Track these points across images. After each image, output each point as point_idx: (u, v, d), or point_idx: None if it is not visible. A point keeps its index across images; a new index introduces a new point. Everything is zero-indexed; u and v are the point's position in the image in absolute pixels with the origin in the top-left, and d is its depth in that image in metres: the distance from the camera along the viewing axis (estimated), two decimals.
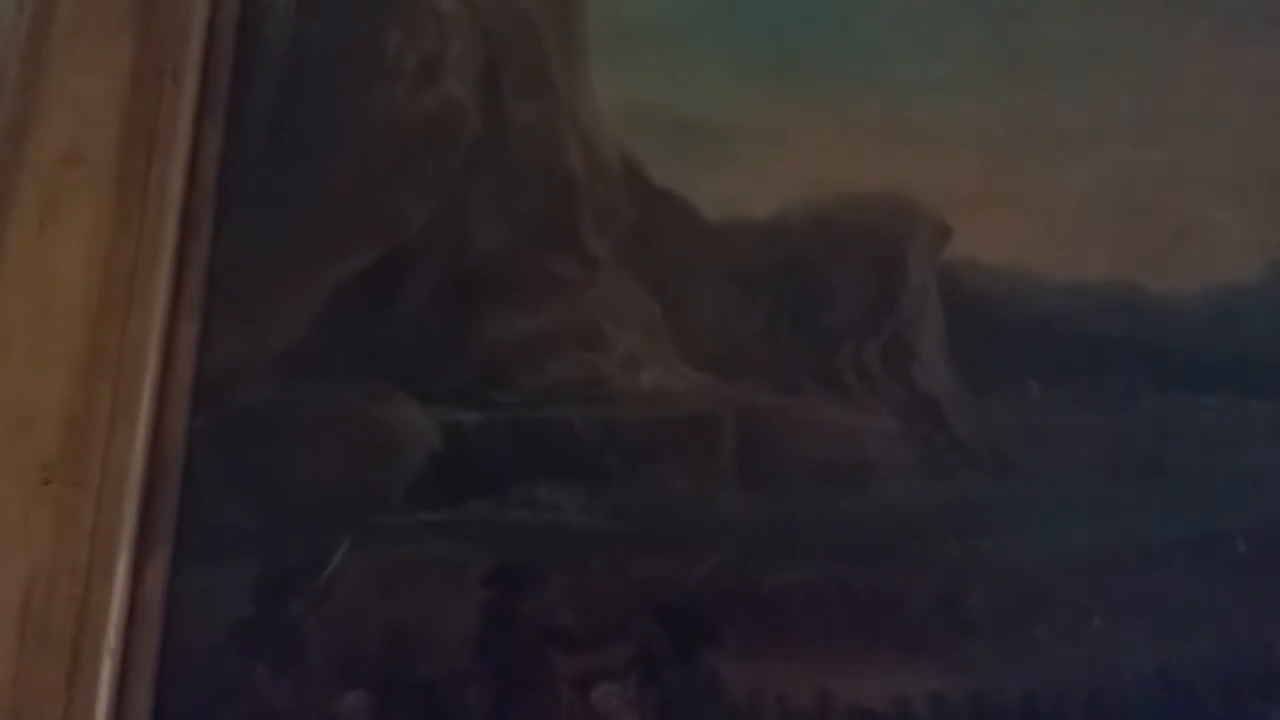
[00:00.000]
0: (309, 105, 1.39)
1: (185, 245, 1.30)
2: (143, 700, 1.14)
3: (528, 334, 1.31)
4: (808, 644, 1.19)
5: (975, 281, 1.40)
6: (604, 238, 1.37)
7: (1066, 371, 1.36)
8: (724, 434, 1.28)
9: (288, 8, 1.45)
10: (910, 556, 1.26)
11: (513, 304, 1.33)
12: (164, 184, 1.31)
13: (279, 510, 1.21)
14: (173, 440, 1.24)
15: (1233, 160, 1.51)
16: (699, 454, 1.28)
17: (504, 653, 1.18)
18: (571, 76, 1.46)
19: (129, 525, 1.19)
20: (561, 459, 1.26)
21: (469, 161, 1.39)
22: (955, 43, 1.54)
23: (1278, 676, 1.22)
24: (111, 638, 1.14)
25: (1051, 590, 1.25)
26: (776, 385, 1.32)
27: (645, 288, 1.36)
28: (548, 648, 1.18)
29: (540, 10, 1.49)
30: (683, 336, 1.33)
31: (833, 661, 1.18)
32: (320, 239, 1.33)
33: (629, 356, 1.31)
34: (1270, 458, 1.34)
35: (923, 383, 1.34)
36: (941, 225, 1.41)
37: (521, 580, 1.20)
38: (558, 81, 1.45)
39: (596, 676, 1.16)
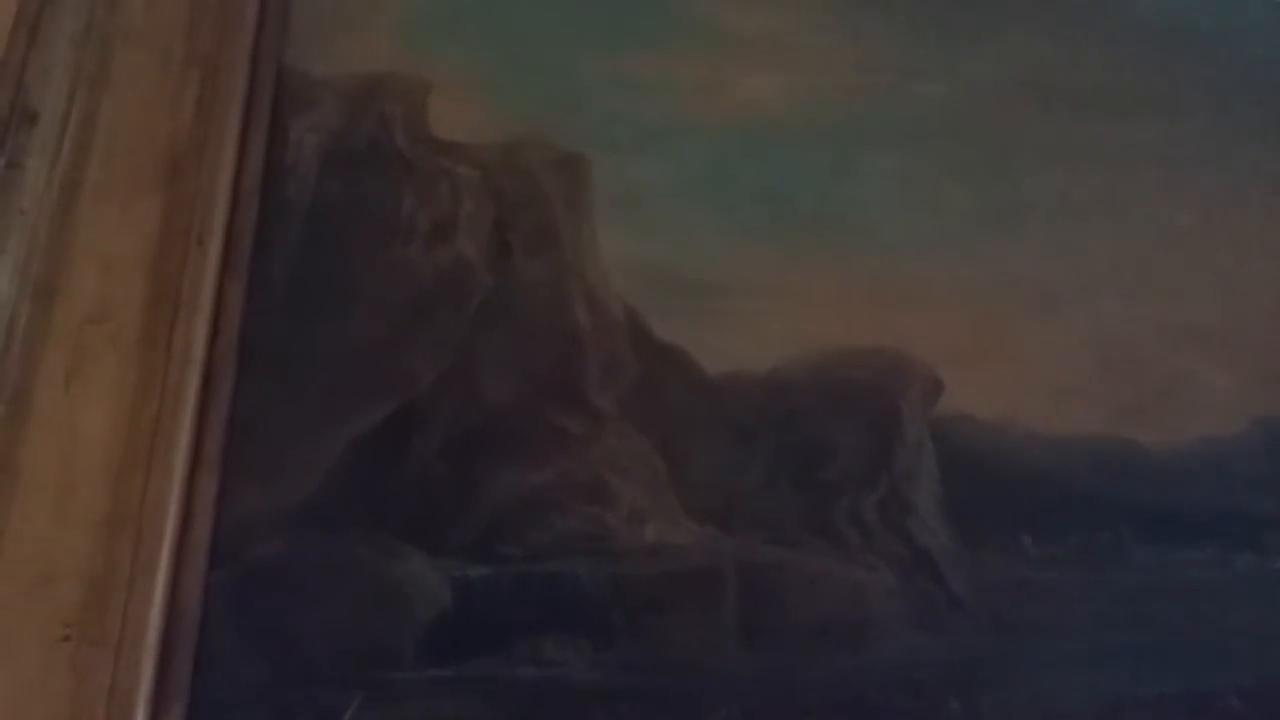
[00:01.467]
0: (327, 263, 1.44)
1: (206, 402, 1.34)
2: None
3: (534, 488, 1.34)
4: None
5: (968, 436, 1.43)
6: (609, 392, 1.41)
7: (1058, 526, 1.39)
8: (726, 589, 1.31)
9: (309, 170, 1.50)
10: (911, 713, 1.27)
11: (520, 458, 1.36)
12: (187, 343, 1.35)
13: (292, 666, 1.23)
14: (190, 596, 1.26)
15: (1218, 314, 1.55)
16: (702, 609, 1.30)
17: None
18: (577, 235, 1.51)
19: (146, 682, 1.21)
20: (568, 614, 1.28)
21: (479, 318, 1.44)
22: (946, 202, 1.60)
23: None
24: None
25: None
26: (776, 539, 1.35)
27: (649, 441, 1.39)
28: None
29: (548, 172, 1.54)
30: (685, 489, 1.36)
31: None
32: (335, 394, 1.36)
33: (633, 510, 1.34)
34: (1259, 613, 1.36)
35: (919, 537, 1.37)
36: (934, 380, 1.45)
37: None
38: (564, 240, 1.50)
39: None
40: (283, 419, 1.37)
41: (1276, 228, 1.61)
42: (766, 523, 1.37)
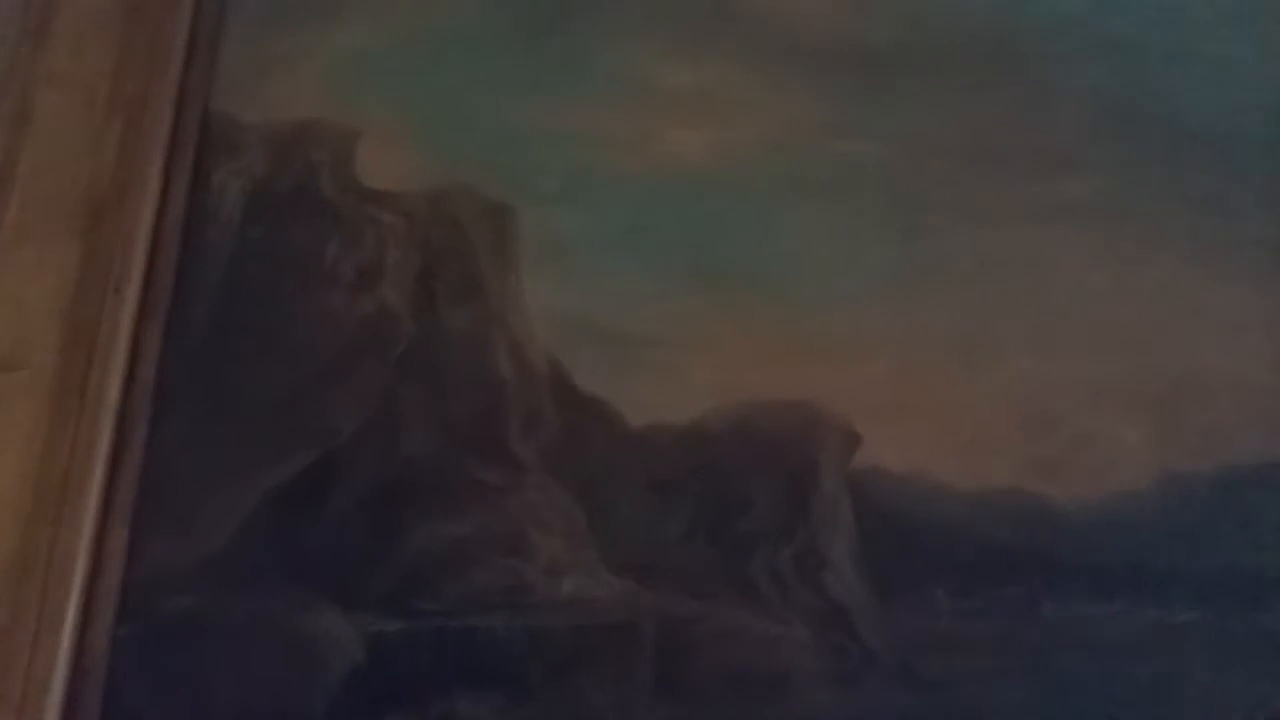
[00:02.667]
0: (248, 311, 1.42)
1: (119, 452, 1.31)
2: None
3: (452, 541, 1.32)
4: None
5: (883, 489, 1.43)
6: (530, 443, 1.39)
7: (970, 580, 1.39)
8: (643, 643, 1.29)
9: (233, 216, 1.48)
10: None
11: (439, 511, 1.34)
12: (101, 391, 1.32)
13: None
14: (96, 650, 1.23)
15: (1128, 371, 1.57)
16: (618, 663, 1.28)
17: None
18: (503, 284, 1.50)
19: None
20: (483, 669, 1.26)
21: (401, 368, 1.42)
22: (867, 257, 1.60)
23: None
24: None
25: None
26: (694, 592, 1.34)
27: (569, 493, 1.38)
28: None
29: (475, 221, 1.53)
30: (604, 542, 1.35)
31: None
32: (252, 444, 1.34)
33: (552, 563, 1.32)
34: (1163, 666, 1.37)
35: (834, 590, 1.36)
36: (851, 433, 1.45)
37: None
38: (489, 289, 1.49)
39: None
40: (198, 469, 1.34)
41: (1184, 286, 1.63)
42: (684, 576, 1.35)
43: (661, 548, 1.37)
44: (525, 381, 1.44)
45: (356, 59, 1.65)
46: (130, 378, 1.37)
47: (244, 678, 1.23)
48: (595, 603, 1.32)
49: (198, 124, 1.55)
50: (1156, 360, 1.59)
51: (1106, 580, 1.43)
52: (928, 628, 1.37)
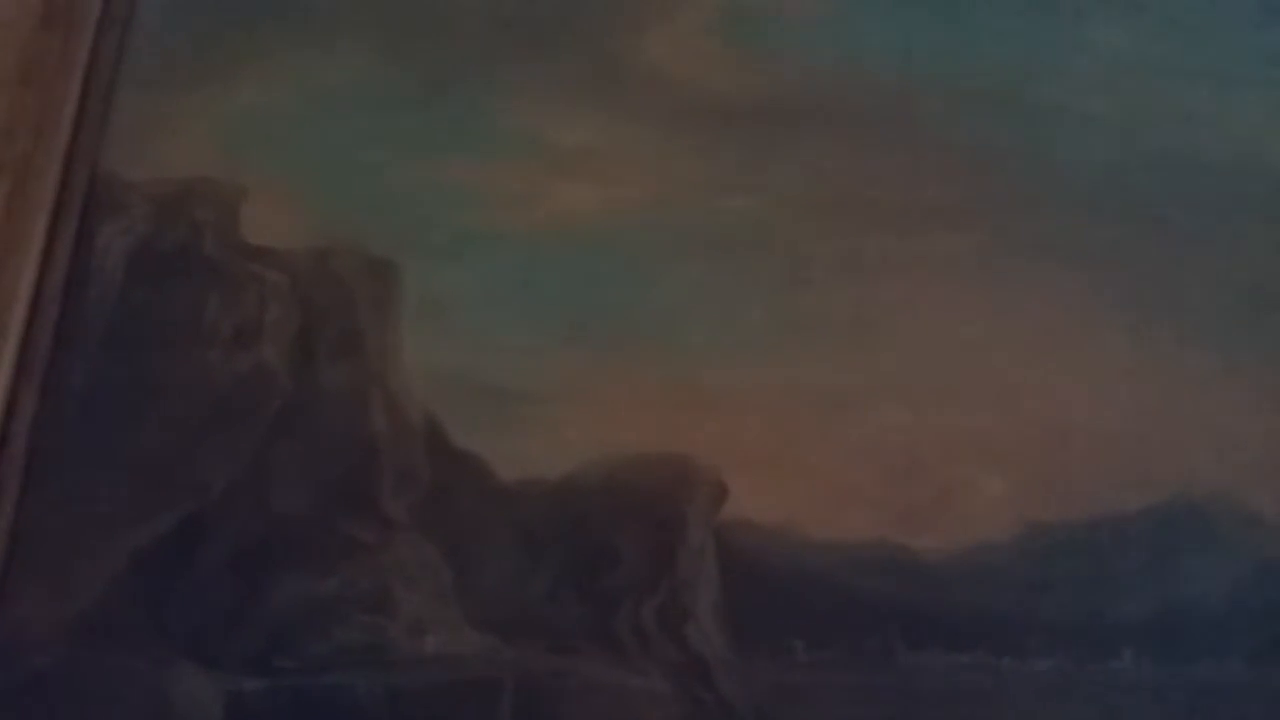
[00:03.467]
0: (126, 370, 1.42)
1: None
2: None
3: (318, 599, 1.32)
4: None
5: (749, 541, 1.44)
6: (402, 500, 1.40)
7: (829, 631, 1.41)
8: (502, 699, 1.30)
9: (115, 274, 1.48)
10: None
11: (306, 568, 1.34)
12: None
13: None
14: None
15: (995, 422, 1.59)
16: (477, 717, 1.28)
17: None
18: (383, 341, 1.50)
19: None
20: None
21: (276, 425, 1.42)
22: (743, 312, 1.62)
23: None
24: None
25: None
26: (557, 647, 1.34)
27: (438, 550, 1.38)
28: None
29: (358, 277, 1.54)
30: (470, 599, 1.36)
31: None
32: (123, 505, 1.34)
33: (415, 620, 1.33)
34: (1019, 715, 1.38)
35: (695, 643, 1.37)
36: (720, 486, 1.46)
37: None
38: (369, 346, 1.50)
39: None
40: (68, 528, 1.34)
41: (1053, 338, 1.66)
42: (548, 631, 1.36)
43: (526, 604, 1.38)
44: (400, 438, 1.45)
45: (246, 118, 1.65)
46: (3, 438, 1.37)
47: None
48: (456, 659, 1.33)
49: (85, 184, 1.55)
50: (1023, 412, 1.61)
51: (963, 629, 1.44)
52: (784, 679, 1.38)
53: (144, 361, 1.43)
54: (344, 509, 1.39)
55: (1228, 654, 1.48)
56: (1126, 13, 1.97)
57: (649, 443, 1.51)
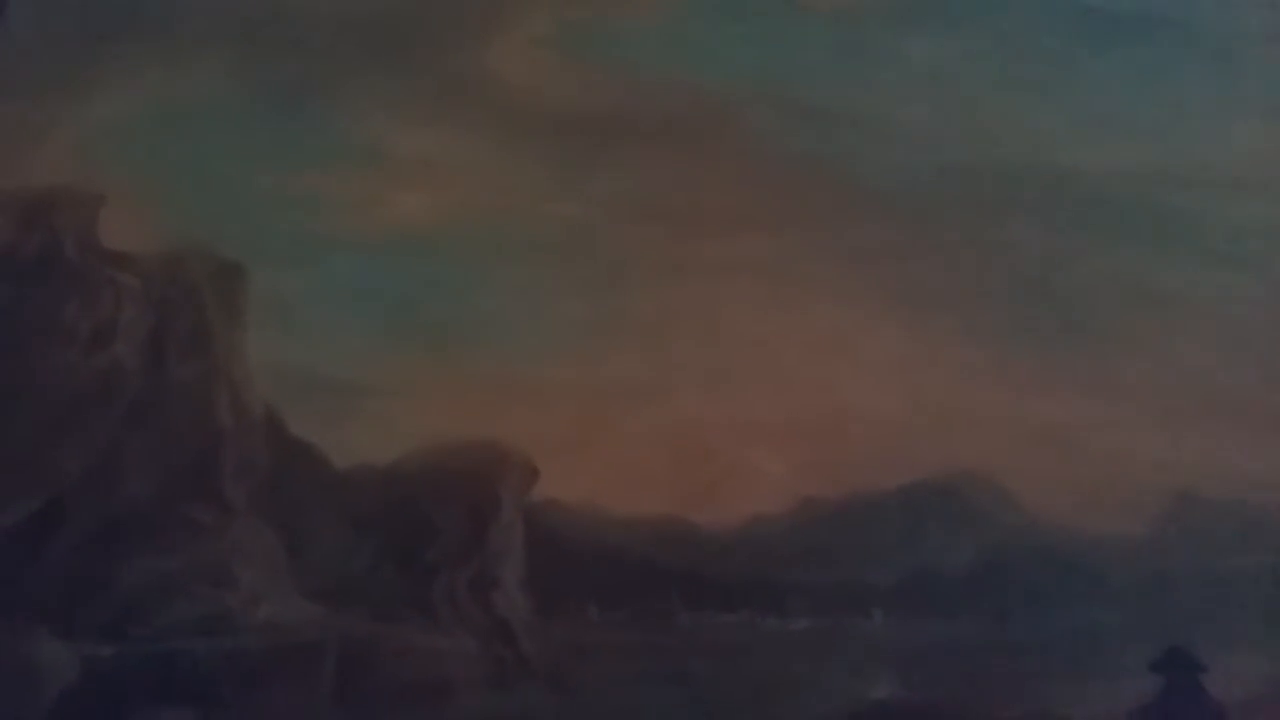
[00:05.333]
0: None
1: None
2: None
3: (164, 574, 1.48)
4: None
5: (555, 518, 1.62)
6: (242, 486, 1.55)
7: (619, 595, 1.60)
8: (326, 660, 1.47)
9: None
10: None
11: (154, 547, 1.49)
12: None
13: None
14: None
15: (783, 409, 1.78)
16: (303, 678, 1.46)
17: None
18: (229, 340, 1.64)
19: None
20: (183, 687, 1.43)
21: (129, 417, 1.56)
22: (561, 311, 1.78)
23: None
24: None
25: None
26: (377, 615, 1.52)
27: (273, 530, 1.54)
28: None
29: (207, 280, 1.67)
30: (302, 573, 1.52)
31: None
32: None
33: (252, 592, 1.49)
34: (778, 666, 1.59)
35: (501, 608, 1.56)
36: (531, 469, 1.64)
37: None
38: (216, 345, 1.64)
39: None
40: None
41: (839, 333, 1.84)
42: (370, 600, 1.53)
43: (352, 576, 1.55)
44: (242, 428, 1.59)
45: (104, 128, 1.75)
46: None
47: None
48: (287, 626, 1.49)
49: None
50: (808, 400, 1.80)
51: (735, 593, 1.65)
52: (578, 638, 1.57)
53: (5, 360, 1.55)
54: (189, 494, 1.54)
55: (970, 614, 1.69)
56: (933, 32, 2.13)
57: (469, 431, 1.68)
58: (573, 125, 1.95)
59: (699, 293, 1.86)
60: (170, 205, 1.75)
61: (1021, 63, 2.15)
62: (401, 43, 1.91)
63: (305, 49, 1.86)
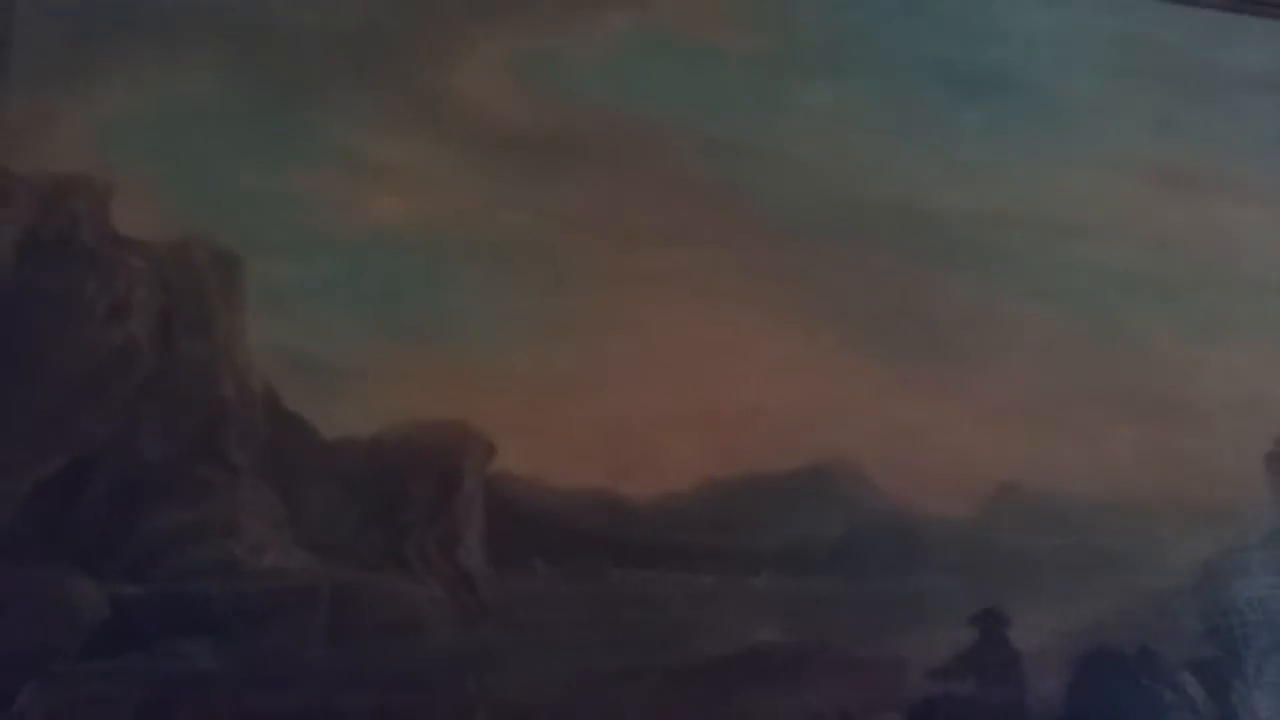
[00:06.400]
0: (16, 341, 1.72)
1: None
2: None
3: (180, 526, 1.71)
4: None
5: (509, 488, 1.91)
6: (245, 451, 1.78)
7: (560, 554, 1.90)
8: (320, 601, 1.73)
9: (6, 258, 1.76)
10: (444, 686, 1.76)
11: (170, 502, 1.72)
12: None
13: None
14: None
15: (696, 404, 2.10)
16: (301, 615, 1.72)
17: None
18: (230, 322, 1.85)
19: None
20: (199, 620, 1.67)
21: (143, 388, 1.77)
22: (516, 309, 2.05)
23: None
24: None
25: (532, 708, 1.78)
26: (362, 565, 1.78)
27: (273, 490, 1.78)
28: None
29: (210, 267, 1.87)
30: (298, 528, 1.77)
31: None
32: (19, 448, 1.66)
33: (256, 542, 1.73)
34: (684, 614, 1.93)
35: (464, 562, 1.84)
36: (489, 446, 1.91)
37: (163, 708, 1.60)
38: (218, 326, 1.84)
39: None
40: None
41: (743, 338, 2.17)
42: (356, 553, 1.80)
43: (340, 532, 1.81)
44: (244, 402, 1.82)
45: (115, 121, 1.90)
46: None
47: (13, 627, 1.59)
48: (287, 572, 1.75)
49: None
50: (716, 395, 2.13)
51: (657, 555, 1.98)
52: (527, 588, 1.88)
53: (33, 333, 1.73)
54: (199, 457, 1.76)
55: (835, 575, 2.08)
56: (829, 80, 2.47)
57: (438, 411, 1.94)
58: (527, 144, 2.20)
59: (631, 298, 2.15)
60: (173, 197, 1.91)
61: (898, 112, 2.50)
62: (380, 58, 2.11)
63: (295, 59, 2.04)
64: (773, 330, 2.23)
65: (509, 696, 1.75)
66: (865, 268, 2.35)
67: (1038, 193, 2.52)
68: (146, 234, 1.84)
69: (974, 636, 2.08)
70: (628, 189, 2.22)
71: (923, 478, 2.19)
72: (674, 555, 1.98)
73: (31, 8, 1.87)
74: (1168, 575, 2.31)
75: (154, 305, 1.78)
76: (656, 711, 1.83)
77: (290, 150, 2.01)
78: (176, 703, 1.57)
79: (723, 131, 2.34)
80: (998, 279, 2.43)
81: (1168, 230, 2.64)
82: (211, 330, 1.81)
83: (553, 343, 2.05)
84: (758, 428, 2.13)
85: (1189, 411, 2.50)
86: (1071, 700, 2.10)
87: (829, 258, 2.33)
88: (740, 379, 2.17)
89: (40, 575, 1.55)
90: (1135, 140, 2.70)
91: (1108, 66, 2.75)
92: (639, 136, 2.28)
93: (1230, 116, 2.82)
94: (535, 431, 1.97)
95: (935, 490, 2.19)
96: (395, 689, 1.69)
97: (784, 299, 2.27)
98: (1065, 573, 2.23)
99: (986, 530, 2.20)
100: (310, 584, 1.69)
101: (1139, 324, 2.53)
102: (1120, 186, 2.62)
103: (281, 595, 1.67)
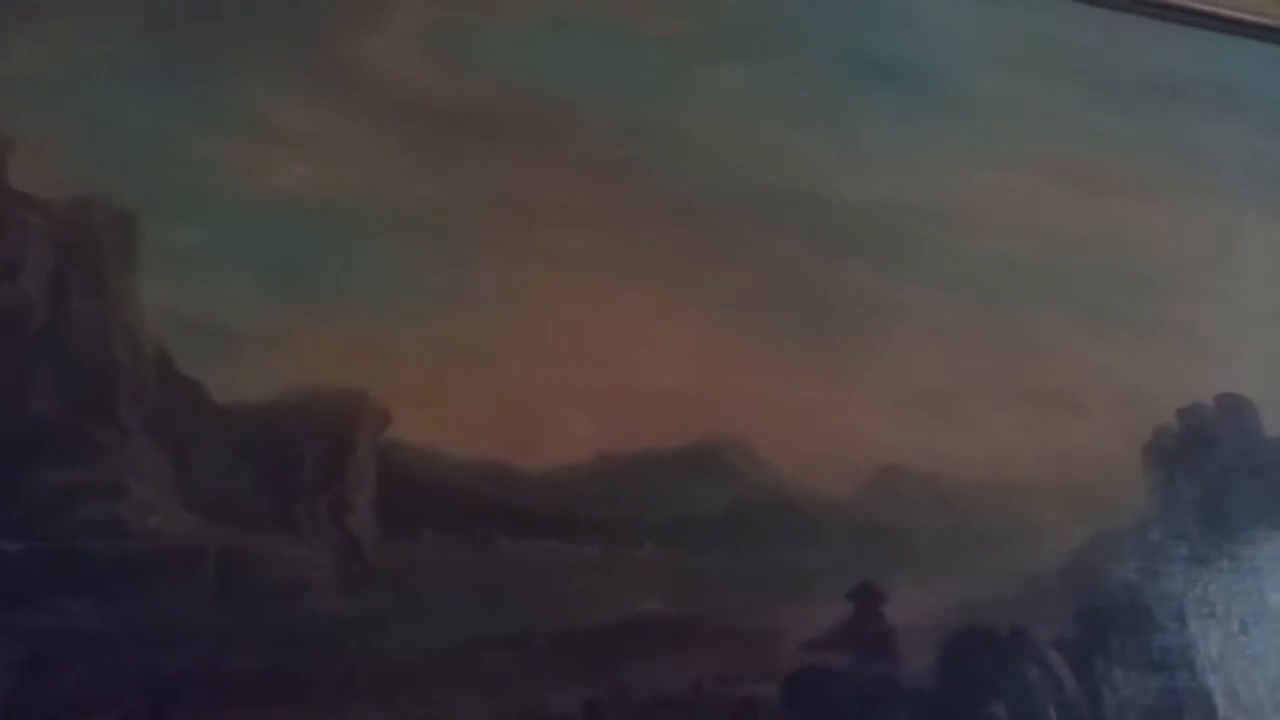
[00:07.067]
0: None
1: None
2: None
3: (68, 485, 1.71)
4: (241, 704, 1.69)
5: (402, 457, 1.94)
6: (135, 413, 1.79)
7: (451, 523, 1.94)
8: (208, 563, 1.75)
9: None
10: (327, 649, 1.79)
11: (59, 461, 1.72)
12: None
13: None
14: None
15: (589, 379, 2.14)
16: (186, 578, 1.74)
17: (26, 715, 1.59)
18: (124, 282, 1.85)
19: None
20: (83, 579, 1.68)
21: (35, 346, 1.76)
22: (420, 281, 2.07)
23: None
24: None
25: (416, 669, 1.82)
26: (251, 528, 1.80)
27: (163, 452, 1.79)
28: (57, 712, 1.60)
29: (105, 227, 1.87)
30: (186, 490, 1.78)
31: (257, 714, 1.69)
32: None
33: (143, 504, 1.74)
34: (570, 583, 1.98)
35: (353, 527, 1.87)
36: (384, 414, 1.94)
37: (45, 666, 1.62)
38: (112, 286, 1.84)
39: None
40: None
41: (638, 319, 2.21)
42: (245, 516, 1.81)
43: (229, 495, 1.82)
44: (136, 363, 1.82)
45: (16, 76, 1.89)
46: None
47: None
48: (173, 534, 1.76)
49: None
50: (611, 373, 2.17)
51: (547, 526, 2.02)
52: (416, 555, 1.91)
53: None
54: (89, 417, 1.76)
55: (719, 549, 2.14)
56: (741, 65, 2.51)
57: (334, 379, 1.96)
58: (437, 117, 2.21)
59: (533, 275, 2.18)
60: (74, 155, 1.90)
61: (809, 99, 2.55)
62: (294, 24, 2.11)
63: (207, 21, 2.03)
64: (670, 311, 2.27)
65: (391, 659, 1.78)
66: (766, 253, 2.40)
67: (941, 185, 2.59)
68: (44, 192, 1.83)
69: (850, 611, 2.15)
70: (536, 166, 2.25)
71: (809, 457, 2.25)
72: (563, 527, 2.02)
73: None
74: (1042, 558, 2.41)
75: (48, 263, 1.77)
76: (538, 677, 1.87)
77: (197, 113, 2.00)
78: (60, 660, 1.58)
79: (633, 113, 2.36)
80: (896, 268, 2.50)
81: (1064, 226, 2.73)
82: (106, 291, 1.80)
83: (453, 316, 2.07)
84: (650, 405, 2.18)
85: (1073, 401, 2.60)
86: (942, 674, 2.18)
87: (731, 242, 2.38)
88: (636, 357, 2.21)
89: None
90: (1040, 138, 2.78)
91: (1021, 64, 2.82)
92: (550, 114, 2.29)
93: (1134, 118, 2.92)
94: (431, 402, 2.00)
95: (820, 470, 2.26)
96: (280, 650, 1.71)
97: (683, 280, 2.31)
98: (943, 552, 2.31)
99: (869, 510, 2.27)
100: (197, 545, 1.70)
101: (1030, 316, 2.62)
102: (1022, 182, 2.71)
103: (167, 556, 1.68)
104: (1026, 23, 2.90)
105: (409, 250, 2.08)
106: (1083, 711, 2.33)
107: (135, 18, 1.99)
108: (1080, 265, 2.76)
